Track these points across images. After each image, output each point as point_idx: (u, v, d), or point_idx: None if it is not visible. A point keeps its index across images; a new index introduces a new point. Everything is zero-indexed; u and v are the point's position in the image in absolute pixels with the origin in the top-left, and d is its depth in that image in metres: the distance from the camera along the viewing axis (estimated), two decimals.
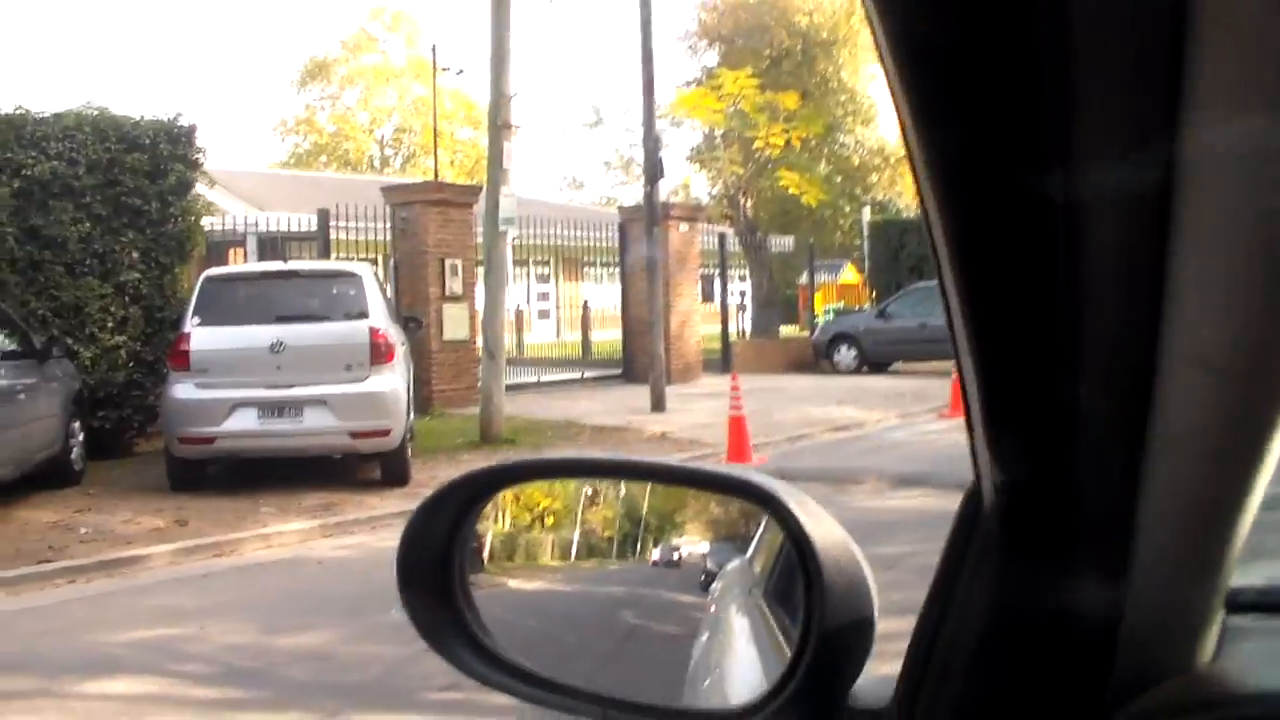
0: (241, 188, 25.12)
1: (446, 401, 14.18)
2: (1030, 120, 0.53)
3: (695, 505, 1.61)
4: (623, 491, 1.62)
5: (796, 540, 0.89)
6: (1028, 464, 0.69)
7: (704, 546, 1.51)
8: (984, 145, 0.55)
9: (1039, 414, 0.67)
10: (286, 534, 7.71)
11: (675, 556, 1.53)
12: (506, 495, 1.53)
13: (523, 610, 1.57)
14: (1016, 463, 0.70)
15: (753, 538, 1.41)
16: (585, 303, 21.56)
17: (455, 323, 14.44)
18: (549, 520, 1.67)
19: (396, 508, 8.26)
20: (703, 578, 1.44)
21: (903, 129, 0.57)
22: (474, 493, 1.25)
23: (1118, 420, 0.65)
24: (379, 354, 8.80)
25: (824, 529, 0.89)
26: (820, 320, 23.15)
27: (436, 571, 1.14)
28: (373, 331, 8.84)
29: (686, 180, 36.55)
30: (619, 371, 18.22)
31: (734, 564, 1.39)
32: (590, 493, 1.63)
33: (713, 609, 1.41)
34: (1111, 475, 0.67)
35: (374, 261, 14.09)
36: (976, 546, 0.76)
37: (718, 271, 20.67)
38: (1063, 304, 0.61)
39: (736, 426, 10.34)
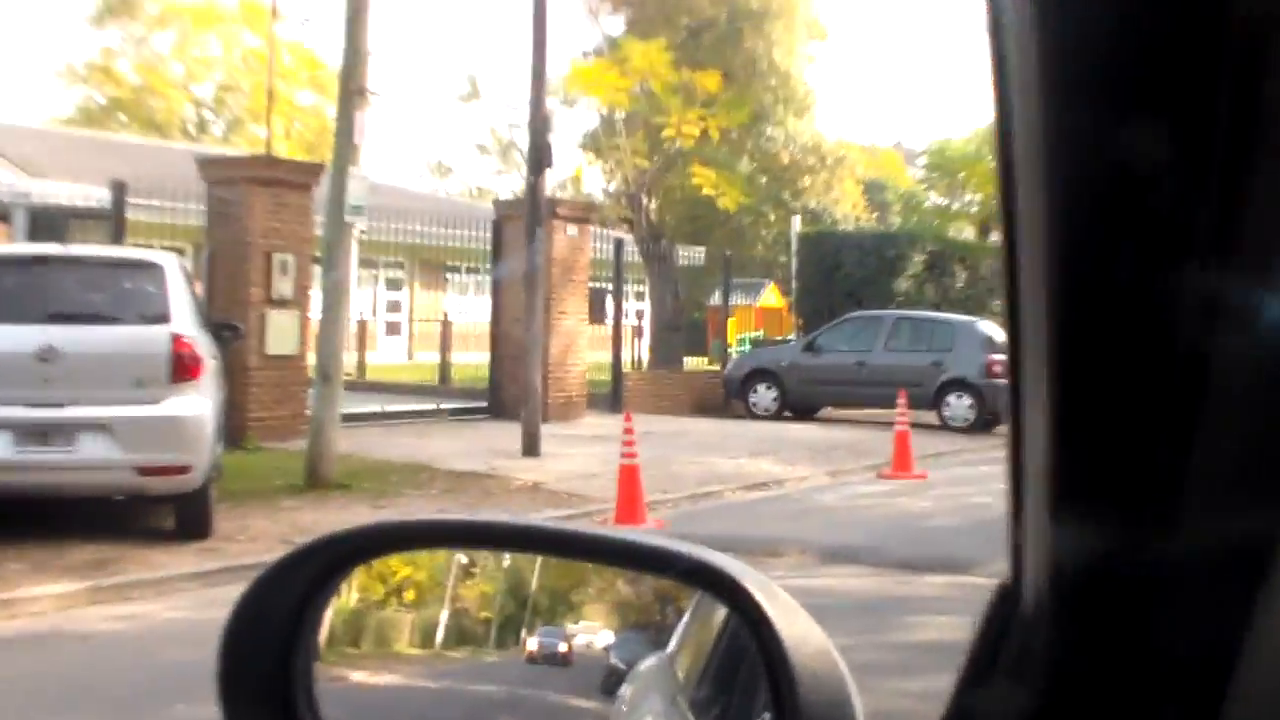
0: (10, 148, 24.27)
1: (265, 432, 13.88)
2: (1188, 213, 0.58)
3: (598, 582, 1.56)
4: (506, 561, 1.57)
5: (764, 644, 0.85)
6: (1103, 561, 0.66)
7: (607, 637, 1.46)
8: (1129, 225, 0.61)
9: (1133, 496, 0.64)
10: (42, 599, 7.29)
11: (567, 647, 1.47)
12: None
13: (371, 713, 1.50)
14: (1087, 556, 0.66)
15: (673, 628, 1.37)
16: (445, 316, 21.39)
17: (282, 333, 14.17)
18: (409, 594, 1.60)
19: (193, 566, 8.00)
20: (605, 677, 1.39)
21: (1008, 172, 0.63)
22: (333, 563, 1.18)
23: (1242, 523, 0.62)
24: (182, 368, 8.52)
25: (799, 629, 0.86)
26: (734, 351, 23.44)
27: (273, 676, 1.06)
28: (175, 339, 8.54)
29: (578, 172, 36.75)
30: (484, 404, 18.15)
31: (649, 662, 1.34)
32: (465, 561, 1.57)
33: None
34: (1220, 596, 0.63)
35: (182, 251, 13.71)
36: (1008, 665, 0.71)
37: (611, 286, 20.79)
38: (1189, 367, 0.61)
39: (628, 478, 10.33)
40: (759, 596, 0.89)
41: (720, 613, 1.15)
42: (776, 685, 0.84)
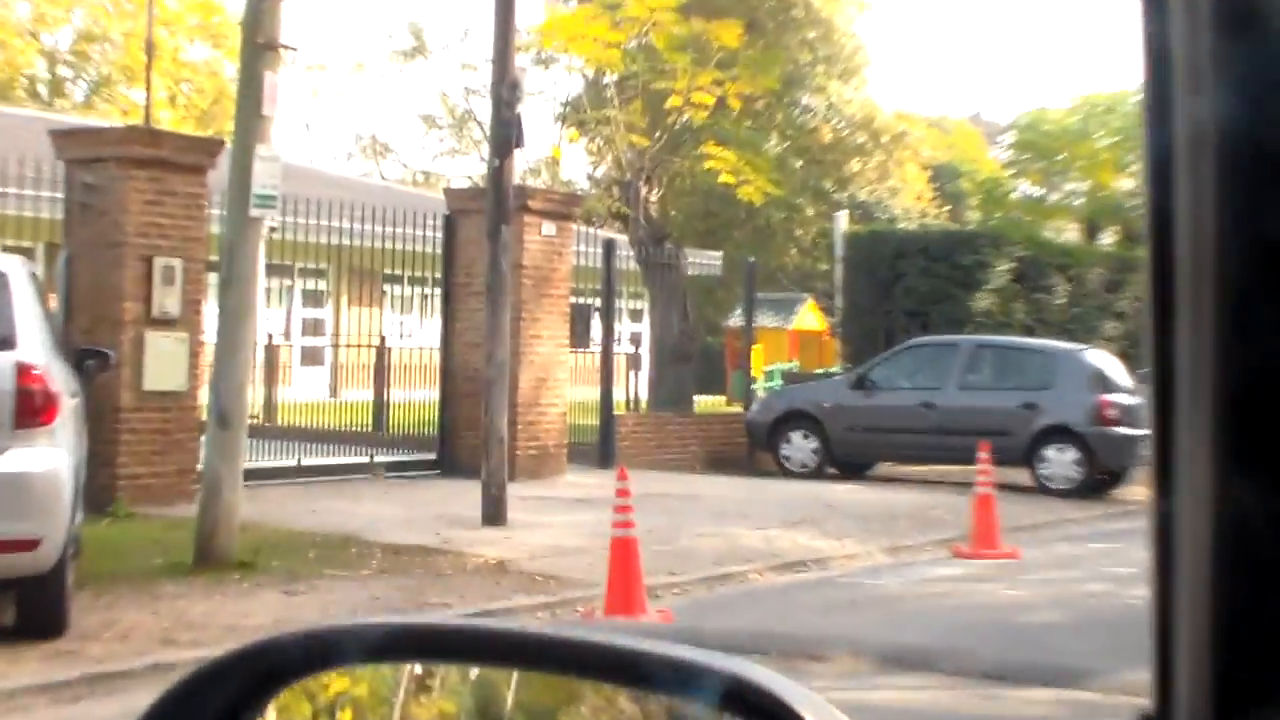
0: None
1: (142, 494, 13.83)
2: None
3: (593, 698, 1.51)
4: (474, 669, 1.52)
5: None
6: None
7: None
8: None
9: None
10: None
11: None
12: None
13: None
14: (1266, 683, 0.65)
15: None
16: (383, 341, 21.38)
17: (166, 364, 14.14)
18: (344, 715, 1.55)
19: (39, 675, 7.91)
20: None
21: None
22: (257, 681, 1.14)
23: None
24: (30, 409, 8.47)
25: None
26: (761, 389, 23.44)
27: None
28: (21, 371, 8.50)
29: (556, 153, 36.82)
30: (432, 457, 18.14)
31: None
32: (418, 669, 1.52)
33: None
34: None
35: (30, 253, 13.66)
36: None
37: (600, 301, 20.79)
38: None
39: (622, 556, 10.27)
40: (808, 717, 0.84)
41: None
42: None
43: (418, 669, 1.50)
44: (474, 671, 1.48)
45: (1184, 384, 0.69)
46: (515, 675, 1.42)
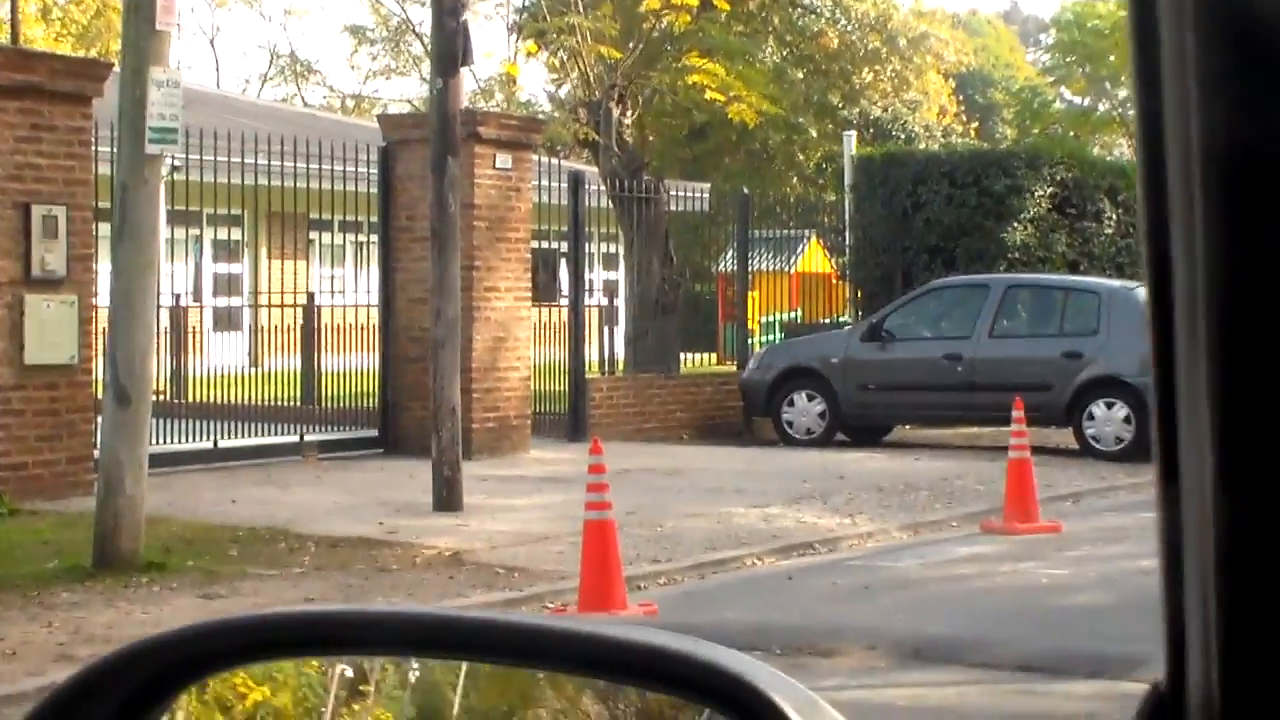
0: None
1: (28, 486, 13.89)
2: None
3: (552, 699, 1.58)
4: (415, 670, 1.59)
5: None
6: None
7: None
8: None
9: None
10: None
11: None
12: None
13: None
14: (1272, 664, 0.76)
15: None
16: (310, 299, 21.40)
17: (51, 332, 14.18)
18: None
19: None
20: None
21: None
22: (155, 680, 1.22)
23: None
24: None
25: None
26: (759, 343, 23.50)
27: None
28: None
29: (512, 69, 36.73)
30: (373, 434, 18.20)
31: None
32: (349, 672, 1.59)
33: None
34: None
35: None
36: None
37: (567, 246, 20.82)
38: None
39: (597, 542, 10.37)
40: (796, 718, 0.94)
41: None
42: None
43: (348, 668, 1.55)
44: (414, 674, 1.55)
45: (1183, 392, 0.80)
46: (462, 672, 1.49)
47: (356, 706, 1.57)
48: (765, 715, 0.95)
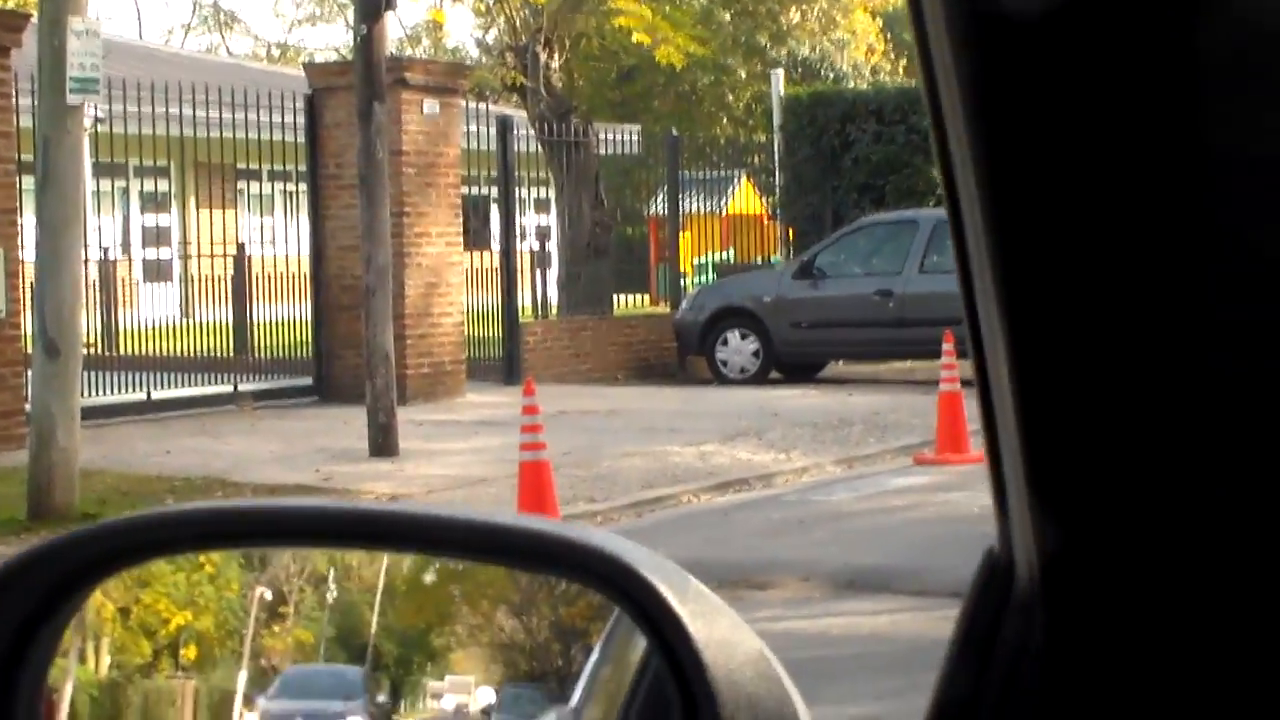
0: None
1: None
2: None
3: (467, 615, 1.61)
4: (333, 591, 1.62)
5: (669, 651, 0.94)
6: (1092, 526, 0.84)
7: (486, 695, 1.52)
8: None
9: (1114, 445, 0.82)
10: None
11: (429, 713, 1.54)
12: (105, 609, 1.51)
13: None
14: (1072, 523, 0.85)
15: (577, 674, 1.45)
16: (241, 249, 21.29)
17: None
18: (188, 652, 1.64)
19: None
20: None
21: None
22: (52, 588, 1.23)
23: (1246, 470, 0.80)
24: None
25: (723, 632, 0.95)
26: (691, 284, 23.55)
27: None
28: None
29: (438, 15, 36.54)
30: (307, 382, 18.15)
31: None
32: (268, 595, 1.62)
33: None
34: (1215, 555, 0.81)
35: None
36: (1006, 647, 0.87)
37: (497, 191, 20.75)
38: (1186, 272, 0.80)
39: (532, 482, 10.42)
40: (665, 592, 0.96)
41: (640, 645, 1.21)
42: (692, 707, 0.90)
43: (267, 593, 1.57)
44: (331, 595, 1.58)
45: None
46: (379, 593, 1.52)
47: (277, 629, 1.60)
48: (637, 590, 0.97)
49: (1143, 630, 0.82)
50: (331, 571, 1.55)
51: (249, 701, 1.53)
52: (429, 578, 1.50)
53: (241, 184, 24.74)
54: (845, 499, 12.33)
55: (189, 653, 1.56)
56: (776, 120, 25.44)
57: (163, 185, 27.74)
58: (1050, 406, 0.83)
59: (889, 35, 40.69)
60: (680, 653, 0.90)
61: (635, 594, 0.99)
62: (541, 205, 27.67)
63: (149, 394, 16.95)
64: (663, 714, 1.13)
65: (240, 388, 17.68)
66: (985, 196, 0.82)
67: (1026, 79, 0.79)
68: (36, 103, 11.57)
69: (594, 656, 1.36)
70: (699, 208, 24.18)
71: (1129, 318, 0.79)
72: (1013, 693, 0.86)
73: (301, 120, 18.30)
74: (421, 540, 1.32)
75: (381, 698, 1.53)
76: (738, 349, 20.12)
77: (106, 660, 1.56)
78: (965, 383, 14.70)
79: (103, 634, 1.54)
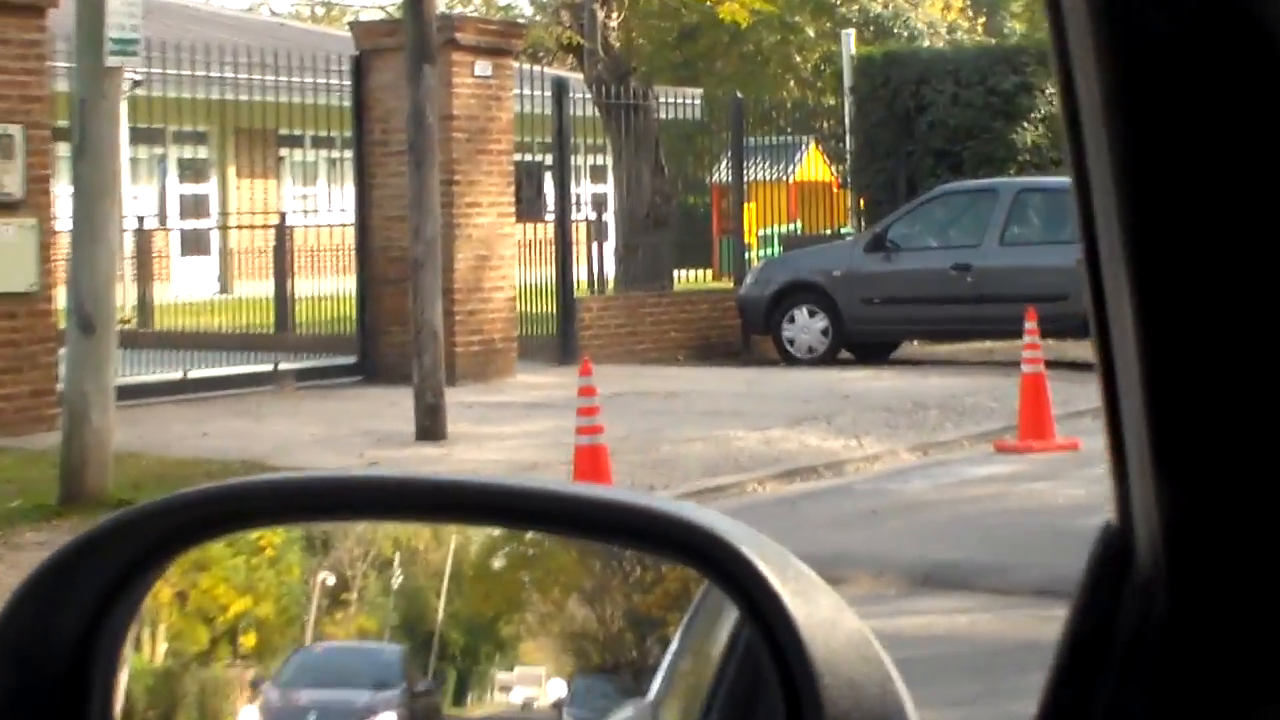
0: None
1: None
2: None
3: (538, 603, 1.63)
4: (398, 576, 1.64)
5: (772, 639, 0.96)
6: (1221, 498, 0.86)
7: (558, 687, 1.53)
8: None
9: (1245, 415, 0.84)
10: None
11: (500, 707, 1.55)
12: (162, 593, 1.53)
13: None
14: (1200, 494, 0.87)
15: (655, 666, 1.45)
16: (283, 220, 21.39)
17: (10, 258, 14.16)
18: (247, 639, 1.67)
19: None
20: None
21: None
22: (128, 562, 1.26)
23: None
24: None
25: (823, 614, 0.99)
26: (756, 257, 23.50)
27: None
28: None
29: None
30: (351, 361, 18.24)
31: (624, 716, 1.44)
32: (331, 580, 1.64)
33: None
34: None
35: None
36: (1125, 632, 0.90)
37: (552, 159, 20.77)
38: None
39: (589, 469, 10.48)
40: (762, 566, 0.98)
41: (725, 631, 1.23)
42: (792, 688, 0.92)
43: (330, 580, 1.59)
44: (397, 580, 1.59)
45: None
46: (445, 583, 1.53)
47: (339, 615, 1.61)
48: (734, 567, 0.99)
49: (1277, 611, 0.84)
50: (397, 555, 1.56)
51: (254, 688, 1.51)
52: (498, 563, 1.52)
53: (284, 151, 24.89)
54: (921, 489, 12.31)
55: (248, 640, 1.57)
56: (847, 82, 25.34)
57: (201, 152, 27.89)
58: (1180, 375, 0.85)
59: None
60: (780, 632, 0.92)
61: (733, 571, 1.02)
62: (598, 173, 27.68)
63: (185, 373, 17.04)
64: (750, 711, 1.15)
65: (281, 367, 17.75)
66: (1121, 186, 0.85)
67: (1170, 75, 0.82)
68: (73, 65, 11.61)
69: (673, 647, 1.37)
70: (764, 176, 24.14)
71: (1263, 295, 0.82)
72: (1131, 681, 0.87)
73: (347, 83, 18.35)
74: (502, 512, 1.35)
75: (423, 684, 1.52)
76: (805, 327, 20.09)
77: (163, 648, 1.57)
78: (1050, 364, 14.67)
79: (159, 620, 1.54)
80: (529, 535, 1.45)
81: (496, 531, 1.46)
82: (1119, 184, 0.85)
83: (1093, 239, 0.91)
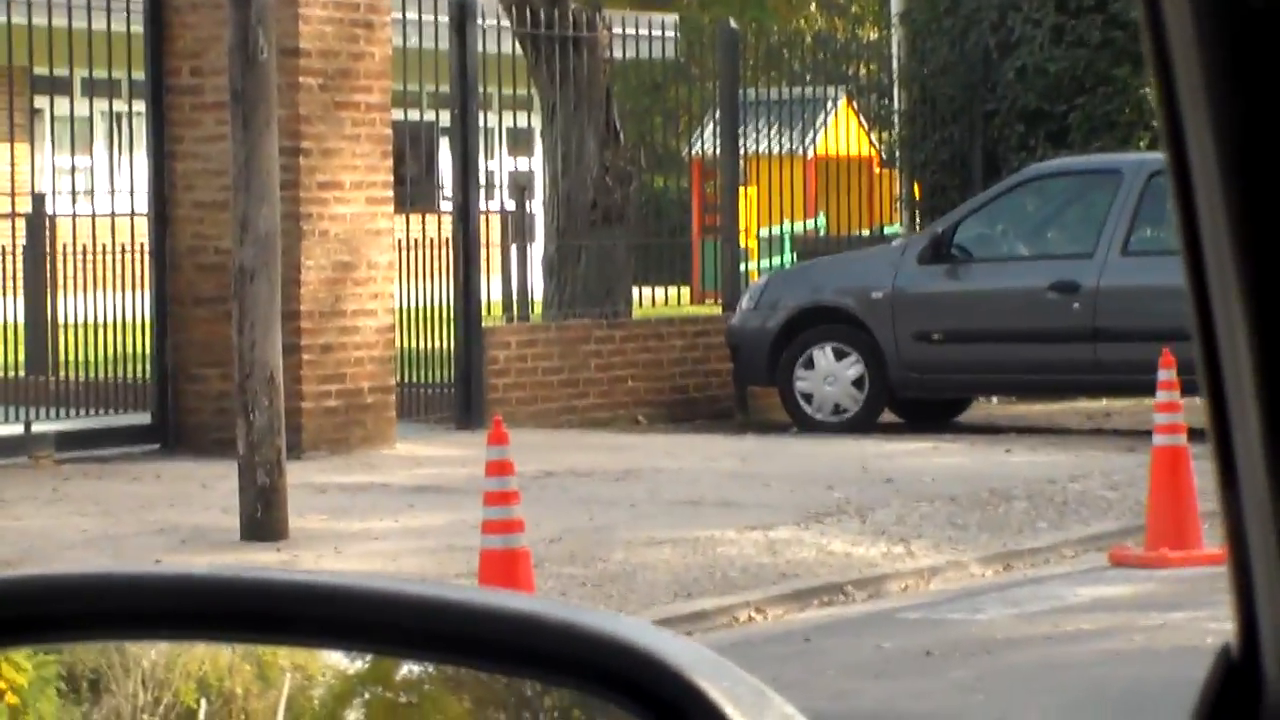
0: None
1: None
2: None
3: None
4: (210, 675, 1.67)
5: None
6: None
7: None
8: None
9: None
10: None
11: None
12: None
13: None
14: None
15: None
16: (40, 205, 21.35)
17: None
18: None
19: None
20: None
21: None
22: None
23: None
24: None
25: None
26: (756, 269, 23.48)
27: None
28: None
29: None
30: (144, 420, 18.18)
31: None
32: (93, 672, 1.67)
33: None
34: None
35: None
36: None
37: (451, 118, 20.76)
38: None
39: (502, 582, 10.44)
40: (727, 709, 1.03)
41: None
42: None
43: (98, 665, 1.61)
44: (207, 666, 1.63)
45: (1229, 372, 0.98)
46: (284, 689, 1.57)
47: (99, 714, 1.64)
48: (688, 707, 1.04)
49: None
50: (203, 705, 1.59)
51: None
52: (353, 715, 1.54)
53: (40, 102, 24.84)
54: (1000, 619, 12.32)
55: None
56: (895, 7, 25.48)
57: None
58: None
59: None
60: None
61: (687, 714, 1.07)
62: (520, 141, 27.69)
63: None
64: None
65: (34, 428, 17.68)
66: (1232, 193, 0.91)
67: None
68: None
69: None
70: (770, 147, 24.19)
71: None
72: None
73: (138, 3, 18.32)
74: (359, 630, 1.38)
75: None
76: (830, 375, 20.12)
77: None
78: (1195, 433, 14.69)
79: None
80: (401, 672, 1.48)
81: (349, 665, 1.49)
82: (1226, 179, 0.91)
83: (1197, 251, 0.97)
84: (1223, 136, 0.92)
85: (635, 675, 1.12)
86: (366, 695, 1.54)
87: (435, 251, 20.41)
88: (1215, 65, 0.92)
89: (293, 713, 1.53)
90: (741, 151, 23.26)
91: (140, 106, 18.85)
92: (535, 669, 1.28)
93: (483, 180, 21.21)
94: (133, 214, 18.94)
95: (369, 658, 1.49)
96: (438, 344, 20.12)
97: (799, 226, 24.73)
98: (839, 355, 20.10)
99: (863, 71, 26.42)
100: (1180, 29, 0.94)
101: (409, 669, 1.49)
